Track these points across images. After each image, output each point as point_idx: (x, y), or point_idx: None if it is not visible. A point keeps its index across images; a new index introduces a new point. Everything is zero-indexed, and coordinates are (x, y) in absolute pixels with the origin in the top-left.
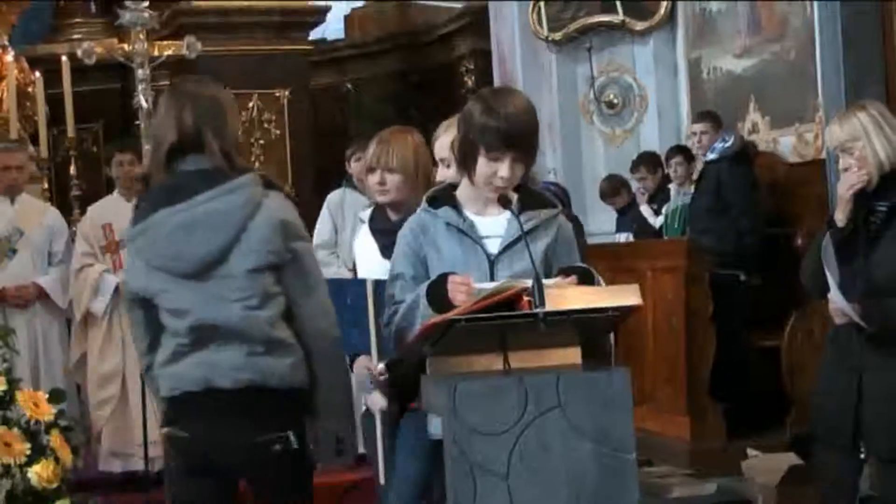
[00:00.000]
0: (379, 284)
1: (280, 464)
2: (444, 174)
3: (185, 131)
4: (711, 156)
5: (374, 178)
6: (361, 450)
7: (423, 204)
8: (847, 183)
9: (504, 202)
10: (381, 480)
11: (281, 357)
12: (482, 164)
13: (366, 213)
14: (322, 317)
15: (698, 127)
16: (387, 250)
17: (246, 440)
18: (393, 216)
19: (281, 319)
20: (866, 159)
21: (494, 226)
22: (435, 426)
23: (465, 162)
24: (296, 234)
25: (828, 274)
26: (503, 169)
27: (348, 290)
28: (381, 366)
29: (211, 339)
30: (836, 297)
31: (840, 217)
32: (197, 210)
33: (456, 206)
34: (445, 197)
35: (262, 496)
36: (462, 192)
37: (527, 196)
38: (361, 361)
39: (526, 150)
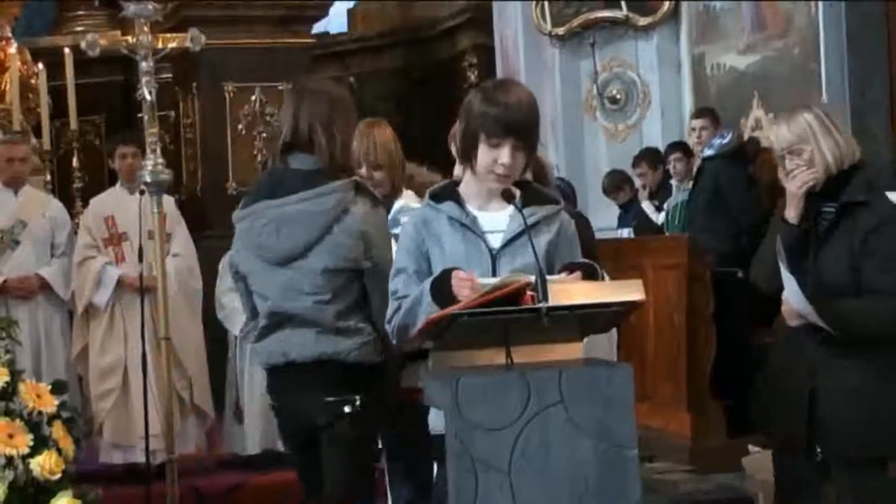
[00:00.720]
0: None
1: (348, 423)
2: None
3: (297, 129)
4: (709, 152)
5: (360, 173)
6: None
7: (426, 199)
8: (799, 181)
9: (507, 197)
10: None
11: (348, 337)
12: (483, 152)
13: None
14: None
15: (697, 123)
16: None
17: (318, 401)
18: None
19: (350, 310)
20: (814, 161)
21: (497, 221)
22: (435, 421)
23: (467, 153)
24: (376, 243)
25: (784, 274)
26: (504, 155)
27: None
28: None
29: (285, 324)
30: (792, 299)
31: (792, 215)
32: (290, 208)
33: (459, 201)
34: (448, 192)
35: (332, 456)
36: (465, 188)
37: (529, 192)
38: None
39: (526, 138)
